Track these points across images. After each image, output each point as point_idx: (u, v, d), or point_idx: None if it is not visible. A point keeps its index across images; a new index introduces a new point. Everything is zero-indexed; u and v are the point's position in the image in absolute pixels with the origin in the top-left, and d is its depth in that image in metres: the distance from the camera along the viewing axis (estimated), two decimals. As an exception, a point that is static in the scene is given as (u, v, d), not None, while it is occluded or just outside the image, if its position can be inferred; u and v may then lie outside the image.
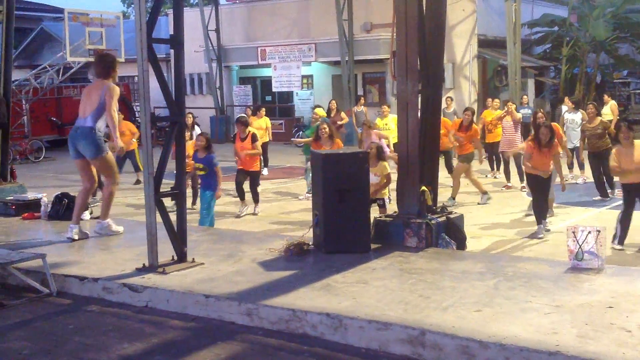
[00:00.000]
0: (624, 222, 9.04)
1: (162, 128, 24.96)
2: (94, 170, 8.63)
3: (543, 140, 9.94)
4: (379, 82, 26.88)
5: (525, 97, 20.37)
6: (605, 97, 18.19)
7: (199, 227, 9.73)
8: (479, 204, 12.31)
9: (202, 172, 10.03)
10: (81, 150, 8.36)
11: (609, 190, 12.40)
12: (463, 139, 12.41)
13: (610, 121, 15.23)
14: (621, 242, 8.99)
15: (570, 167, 14.77)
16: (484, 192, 12.54)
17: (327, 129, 11.22)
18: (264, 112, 17.31)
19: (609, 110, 17.20)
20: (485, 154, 14.87)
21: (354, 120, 19.35)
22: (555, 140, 10.23)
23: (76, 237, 8.46)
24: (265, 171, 17.09)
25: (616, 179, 9.41)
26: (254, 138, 11.85)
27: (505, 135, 14.09)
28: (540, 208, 10.05)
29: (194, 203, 12.20)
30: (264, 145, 16.97)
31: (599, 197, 12.47)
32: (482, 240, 9.65)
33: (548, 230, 10.02)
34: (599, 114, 13.20)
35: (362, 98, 20.12)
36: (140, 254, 7.28)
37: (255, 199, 12.11)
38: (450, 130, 12.72)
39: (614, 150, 9.36)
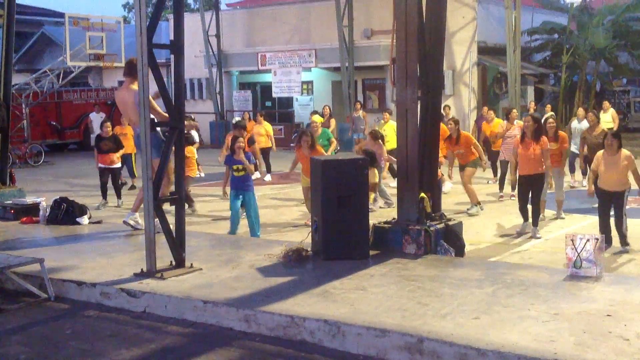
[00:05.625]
0: (602, 229, 9.18)
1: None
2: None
3: (527, 131, 10.21)
4: (379, 89, 26.90)
5: (532, 103, 20.44)
6: (606, 104, 18.25)
7: (198, 232, 9.72)
8: (467, 211, 12.16)
9: (241, 173, 9.81)
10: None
11: None
12: (462, 151, 12.32)
13: (611, 129, 15.26)
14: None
15: (572, 171, 14.85)
16: (477, 203, 12.38)
17: (309, 141, 10.99)
18: (262, 118, 17.27)
19: (610, 118, 17.22)
20: (488, 162, 14.82)
21: (351, 126, 19.37)
22: (544, 137, 10.34)
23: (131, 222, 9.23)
24: (267, 177, 17.06)
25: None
26: (250, 141, 11.85)
27: (506, 143, 13.71)
28: (523, 210, 10.31)
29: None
30: (266, 151, 16.96)
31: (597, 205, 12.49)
32: (480, 247, 9.64)
33: (539, 238, 10.08)
34: (599, 121, 13.21)
35: (359, 103, 20.07)
36: (139, 259, 7.27)
37: None
38: (448, 151, 12.57)
39: (598, 153, 9.45)
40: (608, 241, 9.11)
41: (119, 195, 13.37)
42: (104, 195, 13.28)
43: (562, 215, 11.57)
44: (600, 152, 9.40)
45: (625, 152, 9.20)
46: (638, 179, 9.22)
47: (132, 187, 15.43)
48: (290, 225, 11.38)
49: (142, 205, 9.17)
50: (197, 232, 9.64)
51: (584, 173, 14.52)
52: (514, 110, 14.61)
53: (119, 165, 13.46)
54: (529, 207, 10.33)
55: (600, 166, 9.23)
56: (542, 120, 13.44)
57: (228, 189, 10.13)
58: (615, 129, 15.91)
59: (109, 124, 13.75)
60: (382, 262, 7.25)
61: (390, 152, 13.77)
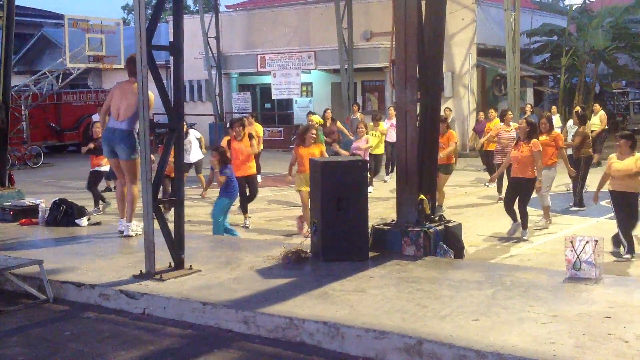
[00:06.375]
0: (622, 229, 9.02)
1: (160, 135, 24.95)
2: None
3: (520, 134, 10.40)
4: (379, 90, 26.92)
5: (529, 105, 20.45)
6: (596, 106, 18.33)
7: (197, 234, 9.72)
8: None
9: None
10: (117, 151, 8.71)
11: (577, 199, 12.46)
12: (441, 144, 12.10)
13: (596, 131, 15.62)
14: (630, 252, 8.91)
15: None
16: (440, 205, 12.04)
17: (314, 137, 10.88)
18: (254, 120, 17.21)
19: (599, 121, 17.28)
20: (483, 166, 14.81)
21: (349, 128, 19.31)
22: (535, 139, 10.30)
23: (132, 234, 8.95)
24: (258, 178, 17.03)
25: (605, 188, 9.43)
26: (250, 137, 11.78)
27: (503, 146, 13.55)
28: (509, 211, 10.31)
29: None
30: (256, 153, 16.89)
31: (576, 207, 12.50)
32: (480, 249, 9.64)
33: (525, 240, 10.09)
34: (582, 124, 13.09)
35: (356, 106, 20.06)
36: (138, 261, 7.26)
37: (244, 208, 11.68)
38: None
39: (610, 156, 9.39)
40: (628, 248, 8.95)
41: (102, 198, 13.32)
42: (101, 197, 13.21)
43: (548, 221, 11.17)
44: (613, 154, 9.29)
45: (638, 154, 9.02)
46: None
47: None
48: (289, 227, 11.36)
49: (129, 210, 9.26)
50: (197, 234, 9.65)
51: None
52: (509, 113, 14.54)
53: (106, 168, 13.33)
54: (516, 208, 10.30)
55: (611, 167, 9.12)
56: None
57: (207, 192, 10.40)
58: (597, 131, 16.29)
59: (98, 124, 13.56)
60: (382, 264, 7.25)
61: (376, 156, 15.48)
